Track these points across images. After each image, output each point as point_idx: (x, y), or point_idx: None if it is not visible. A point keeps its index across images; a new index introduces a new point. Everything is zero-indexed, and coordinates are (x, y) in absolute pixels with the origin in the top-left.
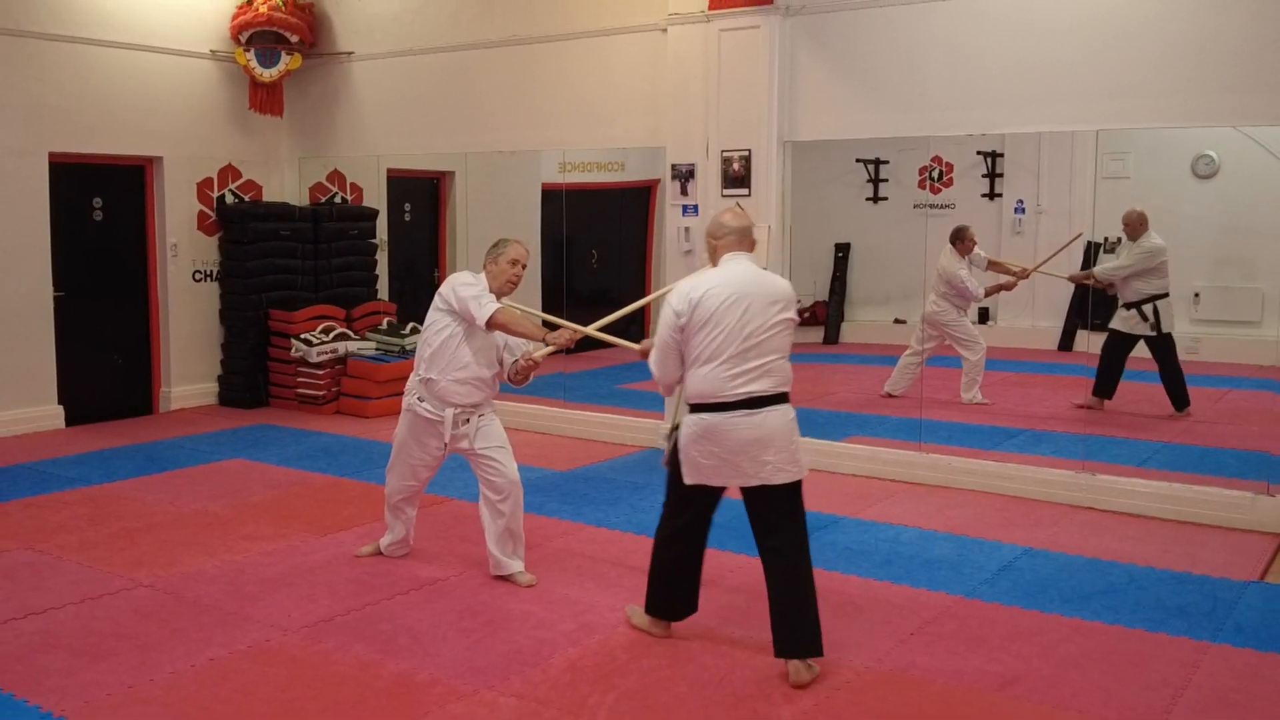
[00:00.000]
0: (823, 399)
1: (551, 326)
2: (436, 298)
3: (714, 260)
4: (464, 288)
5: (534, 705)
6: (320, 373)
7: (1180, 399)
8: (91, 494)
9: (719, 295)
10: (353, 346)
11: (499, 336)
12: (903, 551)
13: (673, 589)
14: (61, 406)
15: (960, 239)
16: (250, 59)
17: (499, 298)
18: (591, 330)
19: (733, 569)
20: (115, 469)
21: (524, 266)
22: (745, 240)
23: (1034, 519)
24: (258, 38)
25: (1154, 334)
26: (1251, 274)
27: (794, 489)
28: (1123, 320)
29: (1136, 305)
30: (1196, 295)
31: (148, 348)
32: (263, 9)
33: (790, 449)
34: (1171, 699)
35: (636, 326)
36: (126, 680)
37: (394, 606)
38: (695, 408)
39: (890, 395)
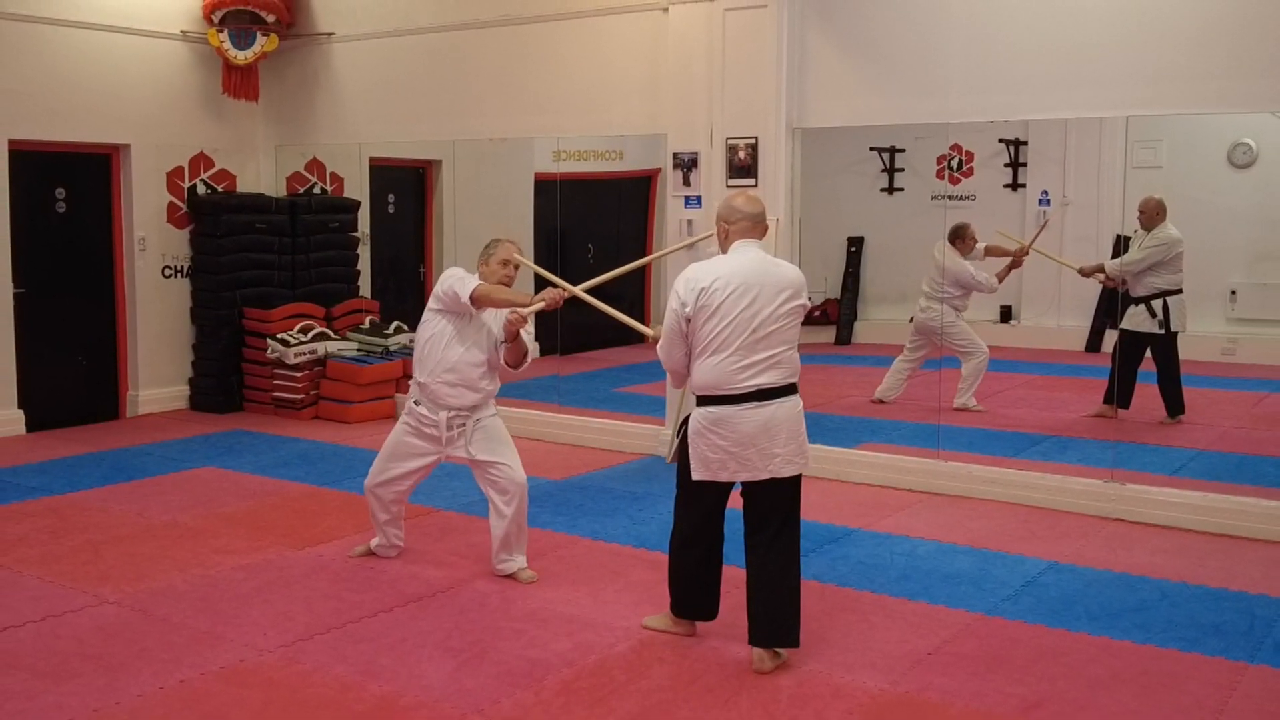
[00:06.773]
0: (834, 403)
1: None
2: (430, 298)
3: (724, 246)
4: (449, 279)
5: None
6: (298, 375)
7: (1175, 405)
8: (54, 504)
9: (725, 285)
10: (333, 347)
11: (491, 326)
12: (920, 566)
13: (694, 591)
14: (22, 411)
15: (960, 237)
16: (224, 40)
17: None
18: (579, 291)
19: (740, 583)
20: (79, 478)
21: (516, 267)
22: (758, 227)
23: (1059, 531)
24: (232, 17)
25: (1160, 331)
26: None
27: (797, 483)
28: (1133, 318)
29: (1146, 300)
30: (1233, 293)
31: (114, 348)
32: None
33: (798, 441)
34: None
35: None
36: (91, 703)
37: (376, 625)
38: (702, 400)
39: (880, 401)
